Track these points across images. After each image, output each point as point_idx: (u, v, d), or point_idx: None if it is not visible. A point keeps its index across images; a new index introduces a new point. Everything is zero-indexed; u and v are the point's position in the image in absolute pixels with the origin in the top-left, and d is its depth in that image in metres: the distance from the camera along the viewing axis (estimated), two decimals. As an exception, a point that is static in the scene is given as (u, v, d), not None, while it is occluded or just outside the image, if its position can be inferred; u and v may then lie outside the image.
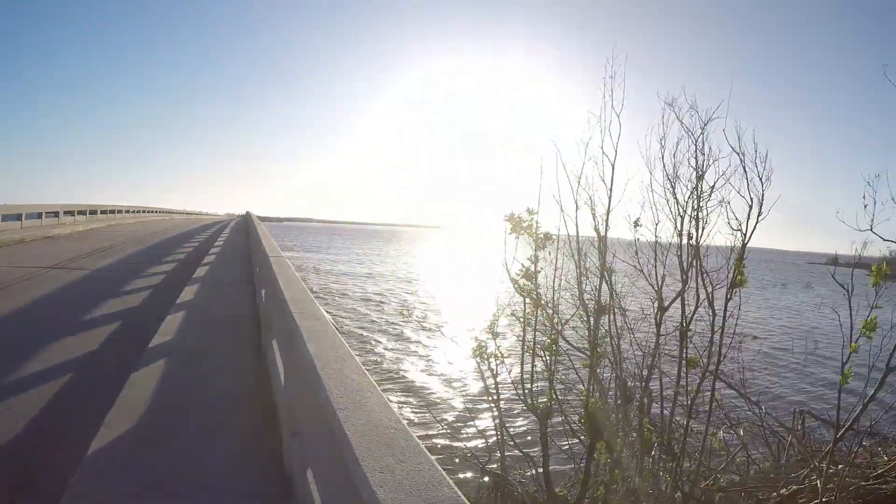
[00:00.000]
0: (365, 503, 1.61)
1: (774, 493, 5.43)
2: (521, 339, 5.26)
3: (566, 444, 5.84)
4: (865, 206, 4.79)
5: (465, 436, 8.66)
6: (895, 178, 4.89)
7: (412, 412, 11.01)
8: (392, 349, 16.88)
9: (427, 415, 10.36)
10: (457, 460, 7.42)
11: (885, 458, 5.74)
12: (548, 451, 5.27)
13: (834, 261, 4.93)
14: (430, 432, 9.57)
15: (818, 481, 4.84)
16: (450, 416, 10.78)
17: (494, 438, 5.89)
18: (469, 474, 7.06)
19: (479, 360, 5.20)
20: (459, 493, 1.52)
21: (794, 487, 5.34)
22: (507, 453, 6.08)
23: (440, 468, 1.69)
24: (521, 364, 5.10)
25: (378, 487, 1.61)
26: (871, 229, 4.83)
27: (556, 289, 5.05)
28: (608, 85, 5.29)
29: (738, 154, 4.96)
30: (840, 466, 5.29)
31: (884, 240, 4.99)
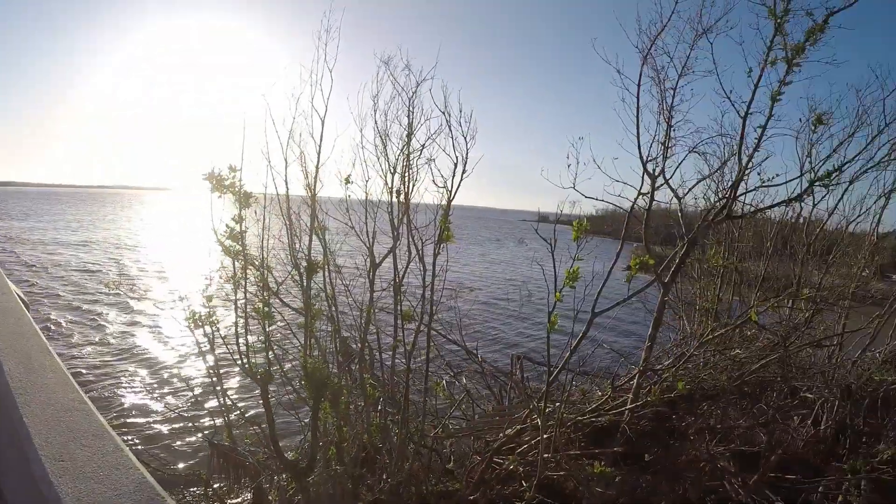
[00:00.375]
0: (44, 497, 1.67)
1: (501, 434, 6.30)
2: (245, 304, 5.46)
3: (294, 409, 6.21)
4: (569, 167, 5.79)
5: (193, 411, 8.95)
6: (596, 141, 5.82)
7: (137, 390, 11.17)
8: (117, 322, 16.87)
9: (155, 392, 10.57)
10: (187, 438, 7.67)
11: (600, 393, 6.77)
12: (272, 415, 5.55)
13: (544, 218, 5.66)
14: (159, 409, 9.77)
15: (539, 419, 5.61)
16: (178, 391, 11.09)
17: (221, 410, 6.14)
18: (201, 452, 7.34)
19: (194, 329, 5.34)
20: (146, 475, 1.65)
21: (518, 427, 6.22)
22: (239, 426, 6.38)
23: (127, 450, 1.81)
24: (236, 329, 5.31)
25: (57, 478, 1.67)
26: (574, 187, 5.86)
27: (265, 248, 5.29)
28: (323, 39, 5.50)
29: (444, 114, 5.53)
30: (557, 404, 6.19)
31: (586, 197, 5.98)
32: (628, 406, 6.47)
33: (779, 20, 5.86)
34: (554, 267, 5.11)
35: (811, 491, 7.13)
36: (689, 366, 7.01)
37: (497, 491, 6.22)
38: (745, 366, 7.09)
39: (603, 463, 5.77)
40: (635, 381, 6.61)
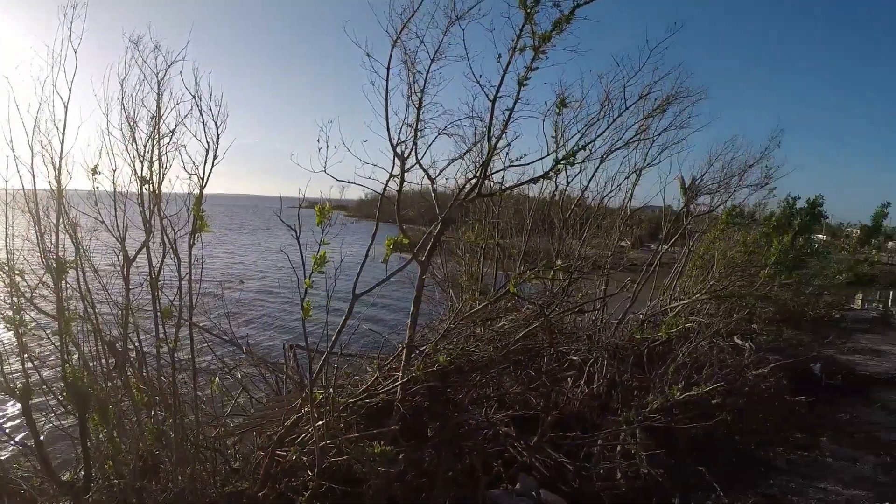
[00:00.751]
0: None
1: (280, 427, 6.70)
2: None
3: (65, 424, 6.20)
4: (319, 150, 6.32)
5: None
6: (346, 122, 6.50)
7: None
8: None
9: None
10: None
11: (371, 373, 7.55)
12: (38, 435, 5.53)
13: (313, 203, 6.17)
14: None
15: (310, 407, 6.17)
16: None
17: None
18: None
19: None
20: None
21: (295, 416, 6.69)
22: (13, 451, 6.35)
23: None
24: (-15, 342, 5.38)
25: None
26: (325, 171, 6.43)
27: (10, 250, 5.41)
28: (69, 15, 5.55)
29: (195, 98, 5.79)
30: (331, 390, 6.89)
31: (337, 180, 6.65)
32: (398, 384, 7.25)
33: (528, 10, 6.78)
34: (301, 253, 5.69)
35: (591, 444, 8.47)
36: (456, 339, 7.98)
37: (285, 484, 6.69)
38: (511, 336, 8.21)
39: (383, 442, 6.45)
40: (403, 359, 7.41)
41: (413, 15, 6.93)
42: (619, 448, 8.61)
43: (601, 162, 10.65)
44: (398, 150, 7.07)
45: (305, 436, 6.84)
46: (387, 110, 7.00)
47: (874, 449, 11.09)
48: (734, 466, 9.75)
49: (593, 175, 11.19)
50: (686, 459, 9.22)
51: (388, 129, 7.03)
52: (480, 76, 7.32)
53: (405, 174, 7.14)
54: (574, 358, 9.70)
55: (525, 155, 7.66)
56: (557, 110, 8.42)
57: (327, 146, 6.33)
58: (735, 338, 13.23)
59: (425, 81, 7.14)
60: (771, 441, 10.73)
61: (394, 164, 7.09)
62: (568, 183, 11.02)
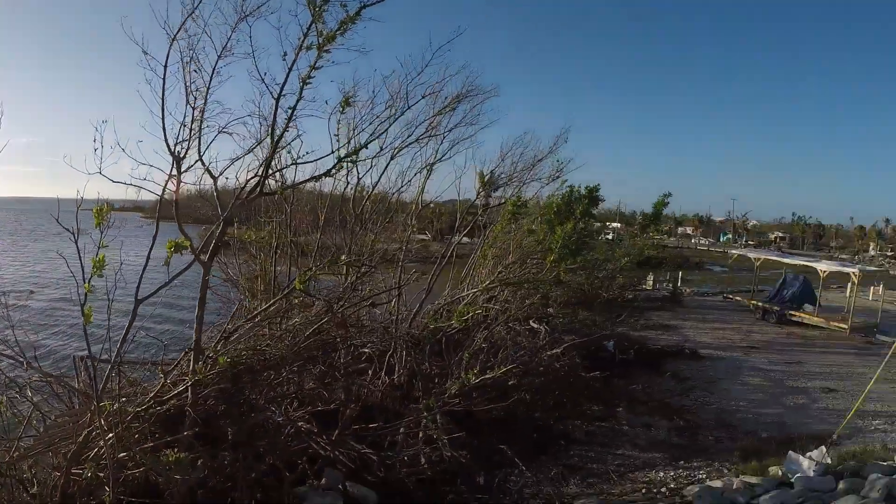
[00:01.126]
0: None
1: (73, 444, 6.64)
2: None
3: None
4: (95, 150, 6.33)
5: None
6: (121, 123, 6.52)
7: None
8: None
9: None
10: None
11: (161, 379, 7.58)
12: None
13: (111, 205, 6.05)
14: None
15: (101, 419, 6.17)
16: None
17: None
18: None
19: None
20: None
21: (87, 431, 6.61)
22: None
23: None
24: None
25: None
26: (101, 172, 6.43)
27: None
28: None
29: None
30: (123, 400, 6.88)
31: (113, 181, 6.70)
32: (186, 388, 7.32)
33: (316, 9, 7.11)
34: (80, 257, 5.71)
35: (394, 433, 9.03)
36: (245, 339, 8.19)
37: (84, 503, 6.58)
38: (302, 332, 8.55)
39: (178, 449, 6.53)
40: (192, 363, 7.53)
41: (193, 11, 7.02)
42: (421, 435, 9.22)
43: (392, 158, 11.37)
44: (176, 150, 7.18)
45: (99, 450, 6.72)
46: (163, 109, 7.07)
47: (667, 414, 12.60)
48: (535, 442, 10.72)
49: (384, 171, 11.93)
50: (488, 439, 9.97)
51: (163, 130, 7.11)
52: (265, 74, 7.61)
53: (183, 174, 7.29)
54: (367, 350, 10.20)
55: (309, 153, 7.94)
56: (342, 109, 8.86)
57: (102, 147, 6.33)
58: (531, 321, 14.34)
59: (211, 77, 7.29)
60: (569, 415, 11.88)
61: (172, 164, 7.19)
62: (359, 179, 11.64)
